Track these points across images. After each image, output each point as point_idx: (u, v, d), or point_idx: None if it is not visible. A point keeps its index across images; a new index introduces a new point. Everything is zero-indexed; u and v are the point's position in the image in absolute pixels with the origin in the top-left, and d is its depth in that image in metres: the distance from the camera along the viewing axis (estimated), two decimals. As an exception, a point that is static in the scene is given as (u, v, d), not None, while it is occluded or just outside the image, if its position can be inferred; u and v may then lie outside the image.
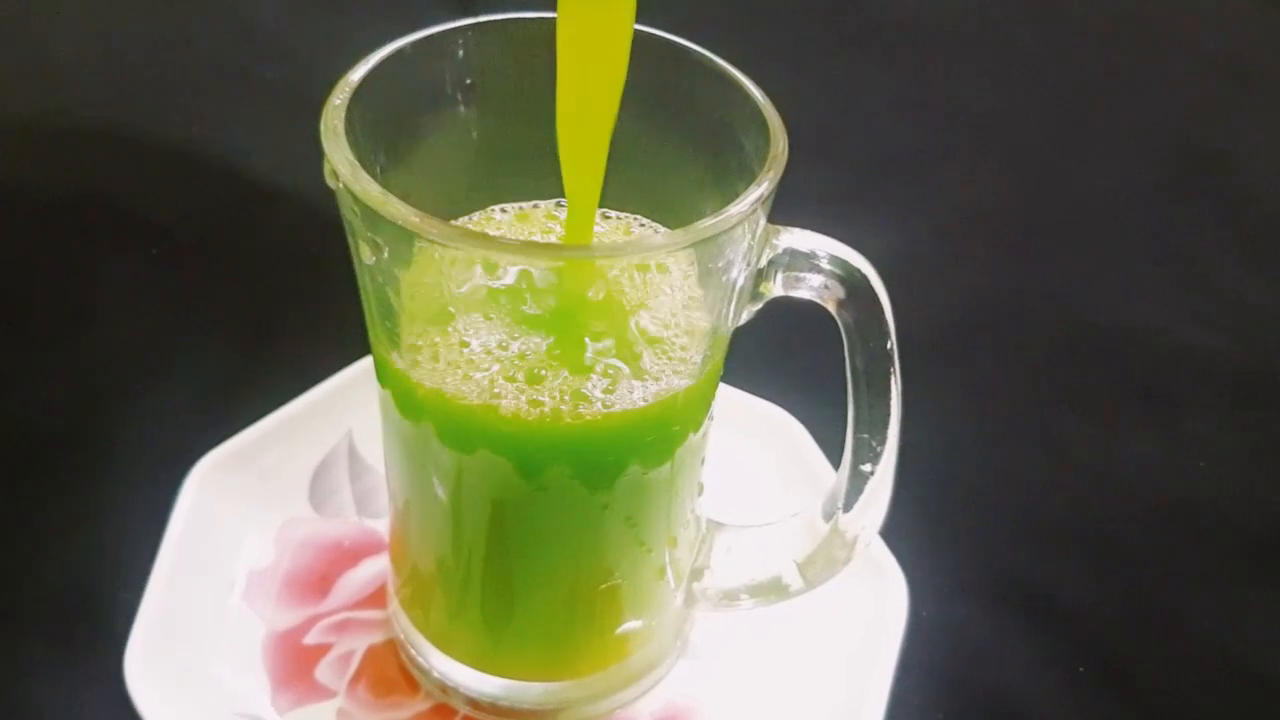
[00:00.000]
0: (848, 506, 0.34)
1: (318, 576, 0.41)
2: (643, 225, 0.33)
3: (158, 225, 0.55)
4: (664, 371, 0.29)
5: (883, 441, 0.32)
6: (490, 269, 0.27)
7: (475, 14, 0.70)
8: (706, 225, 0.27)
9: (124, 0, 0.69)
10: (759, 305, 0.31)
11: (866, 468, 0.33)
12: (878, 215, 0.58)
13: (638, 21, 0.32)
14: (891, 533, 0.39)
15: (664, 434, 0.31)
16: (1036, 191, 0.62)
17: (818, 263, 0.30)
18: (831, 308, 0.30)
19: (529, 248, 0.27)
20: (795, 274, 0.30)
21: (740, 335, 0.33)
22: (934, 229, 0.59)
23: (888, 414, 0.32)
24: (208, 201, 0.57)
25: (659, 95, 0.32)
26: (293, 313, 0.51)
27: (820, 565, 0.35)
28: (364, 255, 0.29)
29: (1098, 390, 0.51)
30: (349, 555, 0.42)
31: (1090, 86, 0.69)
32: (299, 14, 0.69)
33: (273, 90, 0.63)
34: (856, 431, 0.32)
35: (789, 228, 0.30)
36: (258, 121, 0.61)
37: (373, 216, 0.27)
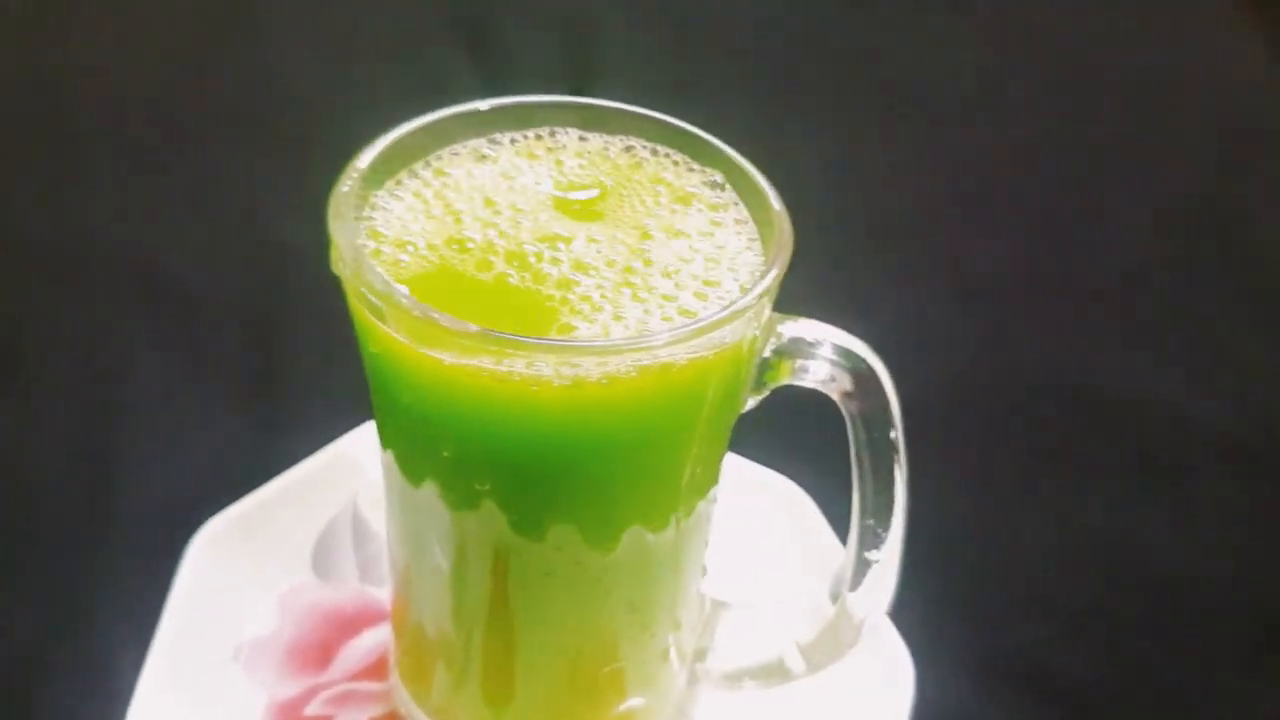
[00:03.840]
0: (853, 588, 0.33)
1: (320, 645, 0.41)
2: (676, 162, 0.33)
3: (165, 285, 0.55)
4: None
5: (887, 528, 0.32)
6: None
7: (488, 64, 0.71)
8: (712, 318, 0.27)
9: (139, 51, 0.70)
10: (764, 394, 0.31)
11: (872, 554, 0.33)
12: (883, 283, 0.58)
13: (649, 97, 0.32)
14: (897, 611, 0.38)
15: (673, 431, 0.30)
16: (1045, 259, 0.62)
17: (823, 354, 0.30)
18: (837, 398, 0.30)
19: (534, 346, 0.26)
20: (800, 363, 0.30)
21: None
22: (940, 296, 0.58)
23: (892, 501, 0.32)
24: (213, 259, 0.57)
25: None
26: (299, 375, 0.51)
27: (825, 649, 0.35)
28: (369, 344, 0.29)
29: (1107, 464, 0.51)
30: (351, 624, 0.42)
31: (1099, 151, 0.69)
32: (315, 65, 0.69)
33: (287, 143, 0.63)
34: (862, 518, 0.32)
35: (795, 318, 0.30)
36: (268, 176, 0.61)
37: (378, 309, 0.27)
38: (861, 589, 0.33)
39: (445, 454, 0.30)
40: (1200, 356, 0.57)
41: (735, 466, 0.44)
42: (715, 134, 0.32)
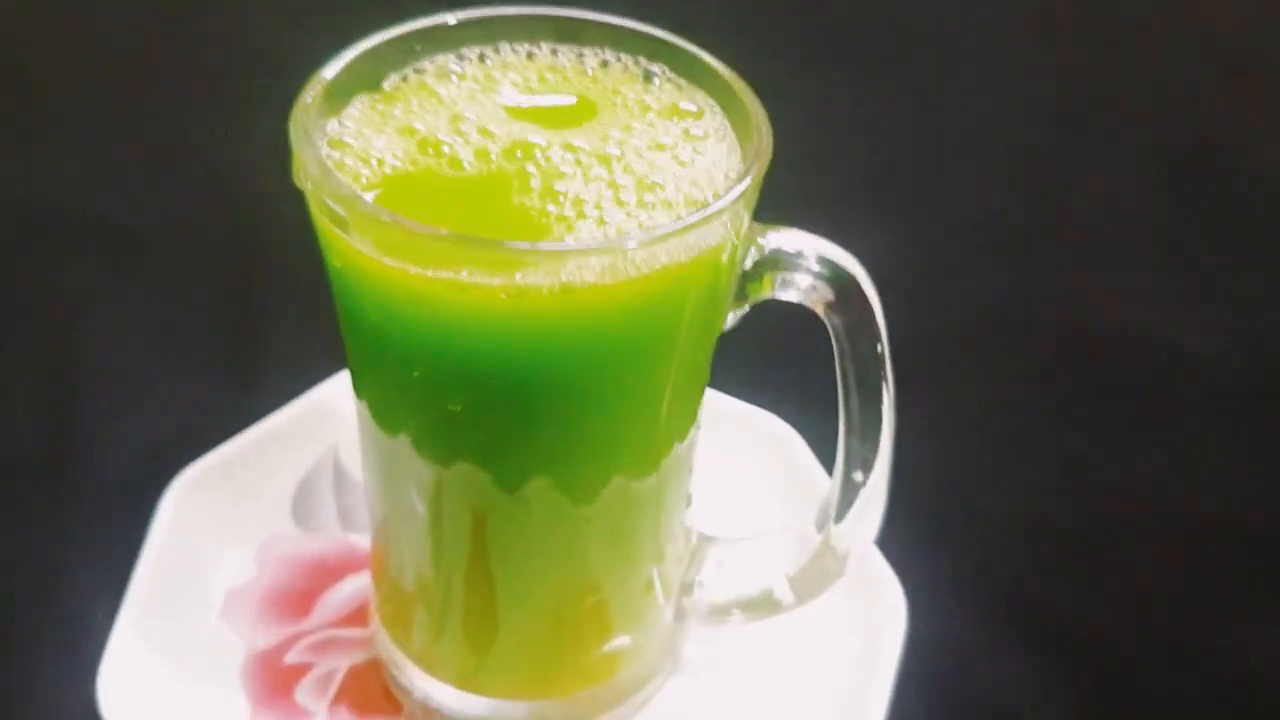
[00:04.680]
0: (839, 518, 0.33)
1: (299, 594, 0.40)
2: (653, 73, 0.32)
3: (138, 235, 0.54)
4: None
5: (875, 450, 0.31)
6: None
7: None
8: (686, 221, 0.26)
9: (111, 9, 0.68)
10: (745, 308, 0.30)
11: (858, 476, 0.32)
12: (874, 221, 0.57)
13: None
14: (889, 544, 0.37)
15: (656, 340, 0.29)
16: (1035, 196, 0.61)
17: (805, 263, 0.29)
18: (820, 310, 0.29)
19: (503, 249, 0.26)
20: (782, 275, 0.29)
21: (734, 340, 0.32)
22: (931, 234, 0.58)
23: (880, 420, 0.31)
24: (189, 211, 0.56)
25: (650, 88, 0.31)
26: (276, 323, 0.50)
27: (812, 580, 0.34)
28: (334, 259, 0.28)
29: (1100, 398, 0.50)
30: (332, 571, 0.41)
31: (1088, 87, 0.68)
32: (290, 22, 0.68)
33: (261, 100, 0.62)
34: (848, 438, 0.31)
35: (776, 227, 0.29)
36: (243, 131, 0.60)
37: (344, 220, 0.27)
38: (848, 518, 0.33)
39: (416, 373, 0.29)
40: (1193, 291, 0.56)
41: (723, 404, 0.44)
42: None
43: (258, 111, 0.60)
